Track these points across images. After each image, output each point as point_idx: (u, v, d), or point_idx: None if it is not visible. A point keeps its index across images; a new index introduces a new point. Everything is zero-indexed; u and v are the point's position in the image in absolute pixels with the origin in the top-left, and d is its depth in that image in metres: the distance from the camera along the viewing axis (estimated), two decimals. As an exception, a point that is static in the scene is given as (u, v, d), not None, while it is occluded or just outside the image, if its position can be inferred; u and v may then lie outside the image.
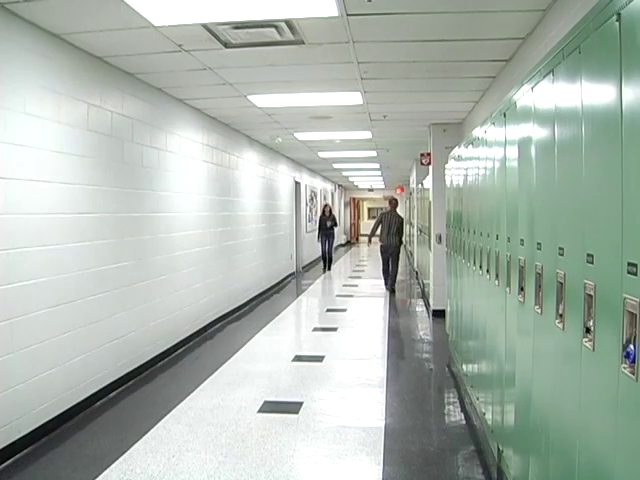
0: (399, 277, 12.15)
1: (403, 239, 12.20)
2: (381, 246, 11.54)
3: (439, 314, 7.78)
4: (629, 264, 1.47)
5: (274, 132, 9.17)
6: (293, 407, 4.59)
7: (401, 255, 12.04)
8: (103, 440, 4.01)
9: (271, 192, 11.69)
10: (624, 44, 1.53)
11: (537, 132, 2.48)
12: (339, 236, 26.08)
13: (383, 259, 11.60)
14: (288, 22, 3.98)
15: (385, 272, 11.60)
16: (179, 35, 4.22)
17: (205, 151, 7.50)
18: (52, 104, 4.12)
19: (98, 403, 4.72)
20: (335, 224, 15.54)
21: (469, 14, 3.86)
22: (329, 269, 15.32)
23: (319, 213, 20.65)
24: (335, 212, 20.98)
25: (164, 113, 6.14)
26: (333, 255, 16.26)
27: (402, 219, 11.80)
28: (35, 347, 3.92)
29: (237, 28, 4.06)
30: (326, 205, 16.04)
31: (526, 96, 2.66)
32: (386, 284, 11.55)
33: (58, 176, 4.20)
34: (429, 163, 8.58)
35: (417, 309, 9.96)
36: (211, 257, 7.70)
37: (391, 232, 11.33)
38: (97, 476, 3.40)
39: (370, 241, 12.60)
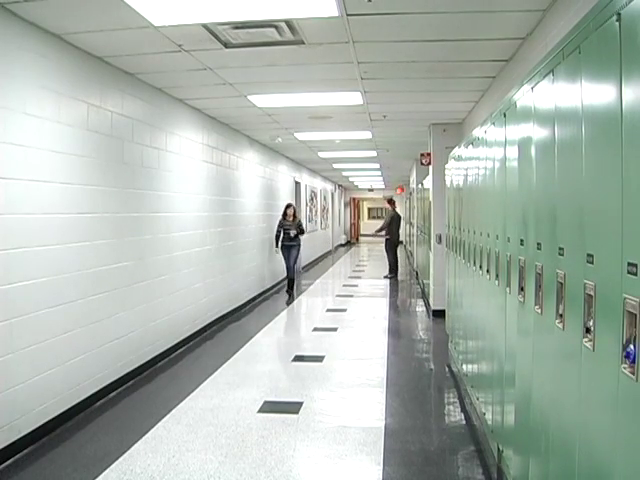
0: (400, 277, 13.92)
1: (402, 239, 15.21)
2: (390, 240, 13.84)
3: (439, 314, 7.78)
4: (629, 264, 1.47)
5: (274, 132, 9.17)
6: (293, 407, 4.59)
7: (401, 254, 15.13)
8: (103, 440, 4.01)
9: (271, 192, 11.69)
10: (624, 44, 1.53)
11: (537, 132, 2.48)
12: (339, 236, 26.04)
13: (392, 250, 13.86)
14: (288, 22, 3.98)
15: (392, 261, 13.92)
16: (179, 35, 4.22)
17: (205, 151, 7.50)
18: (52, 104, 4.12)
19: (98, 403, 4.72)
20: (301, 231, 10.97)
21: (469, 14, 3.86)
22: (291, 296, 10.71)
23: (319, 213, 19.86)
24: (308, 215, 16.49)
25: (164, 113, 6.14)
26: (297, 277, 11.92)
27: (400, 216, 14.62)
28: (35, 347, 3.92)
29: (237, 28, 4.06)
30: (289, 206, 11.10)
31: (526, 96, 2.66)
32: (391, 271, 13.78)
33: (58, 176, 4.20)
34: (429, 163, 8.58)
35: (417, 309, 9.96)
36: (211, 257, 7.70)
37: (393, 229, 13.93)
38: (97, 476, 3.40)
39: (377, 233, 15.02)
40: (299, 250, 11.17)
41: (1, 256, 3.59)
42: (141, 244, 5.55)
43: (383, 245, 14.62)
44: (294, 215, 11.03)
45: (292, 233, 10.76)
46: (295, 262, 11.02)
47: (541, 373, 2.41)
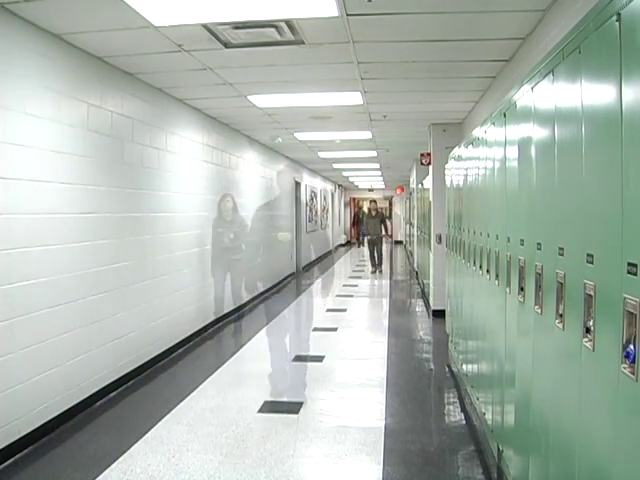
0: (399, 277, 14.50)
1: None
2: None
3: (439, 314, 7.78)
4: (629, 264, 1.47)
5: (274, 132, 9.17)
6: (293, 407, 4.59)
7: (400, 253, 17.00)
8: (103, 440, 4.00)
9: (271, 192, 11.68)
10: (624, 44, 1.53)
11: (537, 132, 2.48)
12: (339, 236, 25.97)
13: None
14: (288, 22, 3.97)
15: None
16: (179, 35, 4.22)
17: (205, 151, 7.50)
18: (52, 104, 4.12)
19: (98, 403, 4.72)
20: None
21: (469, 14, 3.86)
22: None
23: (319, 213, 19.33)
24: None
25: (164, 113, 6.14)
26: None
27: (383, 215, 17.09)
28: (35, 347, 3.92)
29: (237, 28, 4.06)
30: (225, 196, 7.13)
31: (526, 96, 2.66)
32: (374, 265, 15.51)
33: (58, 176, 4.20)
34: (429, 163, 8.58)
35: (417, 309, 9.96)
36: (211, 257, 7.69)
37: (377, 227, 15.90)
38: (97, 476, 3.40)
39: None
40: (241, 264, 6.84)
41: (1, 256, 3.59)
42: (141, 244, 5.55)
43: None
44: (233, 209, 7.21)
45: (230, 236, 7.10)
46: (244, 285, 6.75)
47: (541, 373, 2.41)
